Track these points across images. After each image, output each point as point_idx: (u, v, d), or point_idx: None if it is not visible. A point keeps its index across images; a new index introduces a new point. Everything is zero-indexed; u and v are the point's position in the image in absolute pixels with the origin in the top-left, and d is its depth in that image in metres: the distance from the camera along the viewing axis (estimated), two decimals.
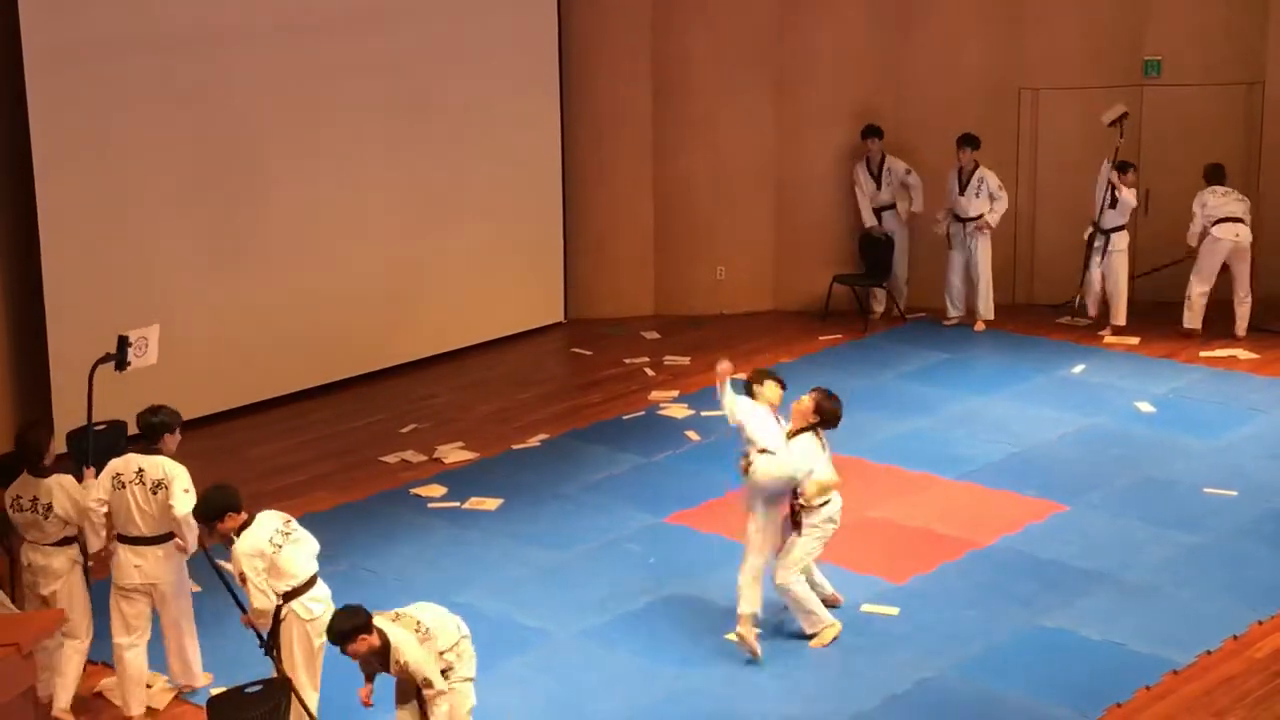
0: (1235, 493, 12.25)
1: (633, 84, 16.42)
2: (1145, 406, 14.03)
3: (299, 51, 14.33)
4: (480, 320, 15.90)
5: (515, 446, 13.51)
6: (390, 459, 13.31)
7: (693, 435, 13.61)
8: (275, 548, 8.95)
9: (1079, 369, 14.95)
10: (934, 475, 12.69)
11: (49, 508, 9.50)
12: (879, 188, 16.34)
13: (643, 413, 14.19)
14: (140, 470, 9.51)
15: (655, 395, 14.57)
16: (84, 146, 13.13)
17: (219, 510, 9.02)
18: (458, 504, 12.38)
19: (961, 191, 15.95)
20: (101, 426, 11.81)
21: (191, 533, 9.53)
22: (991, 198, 15.90)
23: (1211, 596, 10.71)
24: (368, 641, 8.40)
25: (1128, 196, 15.47)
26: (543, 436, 13.67)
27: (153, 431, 9.62)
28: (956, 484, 12.53)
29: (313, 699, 9.08)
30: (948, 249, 16.22)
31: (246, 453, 13.50)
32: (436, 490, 12.63)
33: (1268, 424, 13.61)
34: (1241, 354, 15.25)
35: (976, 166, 15.93)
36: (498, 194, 15.80)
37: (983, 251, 16.03)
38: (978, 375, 14.91)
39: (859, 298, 16.55)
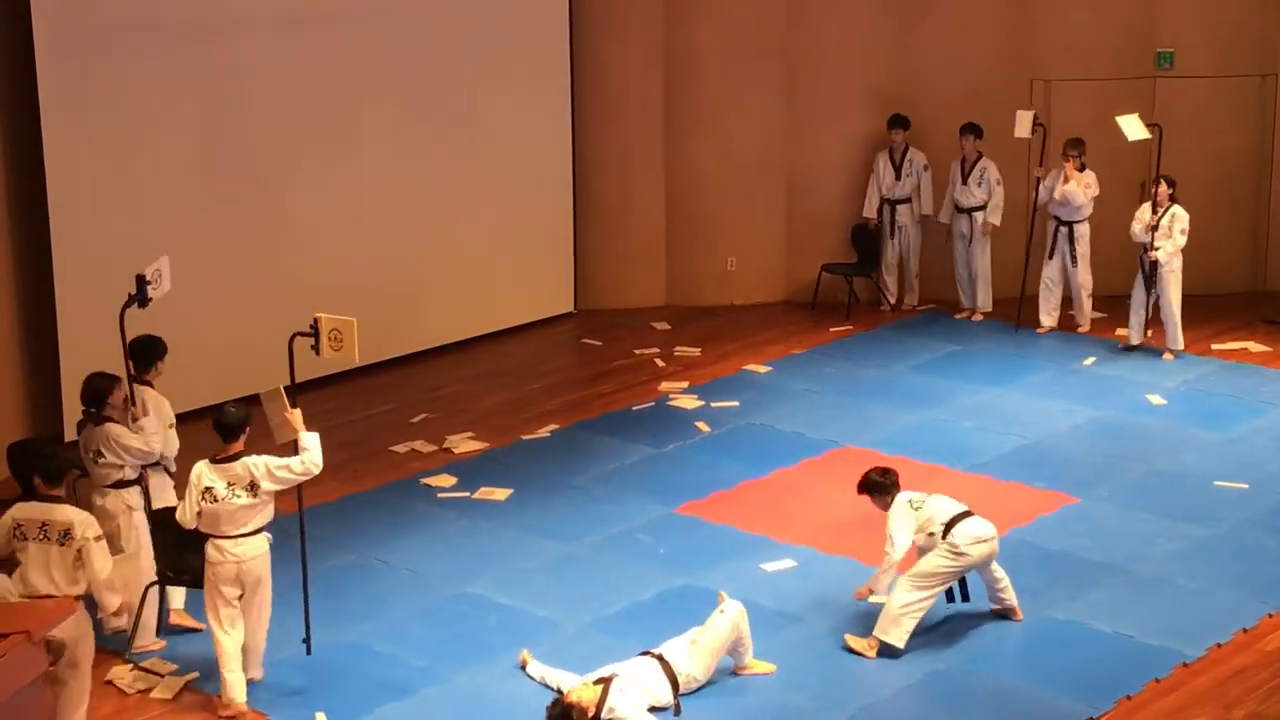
0: (1246, 485, 12.23)
1: (643, 74, 16.40)
2: (1156, 399, 14.00)
3: (309, 40, 14.32)
4: (490, 310, 15.89)
5: (525, 437, 13.51)
6: (400, 449, 13.31)
7: (703, 426, 13.60)
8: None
9: (1090, 361, 14.92)
10: (944, 467, 12.67)
11: (98, 453, 9.99)
12: (898, 178, 16.28)
13: (653, 404, 14.18)
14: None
15: (665, 386, 14.56)
16: (94, 135, 13.13)
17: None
18: (467, 494, 12.37)
19: (964, 180, 15.91)
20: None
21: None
22: (990, 192, 15.85)
23: (1222, 589, 10.69)
24: None
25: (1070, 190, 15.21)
26: (553, 427, 13.66)
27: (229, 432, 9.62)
28: (967, 476, 12.51)
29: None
30: (949, 241, 16.21)
31: (256, 442, 13.42)
32: (446, 480, 12.63)
33: (1279, 416, 13.58)
34: (1253, 347, 15.22)
35: (980, 156, 15.89)
36: (508, 184, 15.79)
37: (980, 245, 15.99)
38: (988, 367, 14.89)
39: (851, 288, 16.49)
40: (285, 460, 9.50)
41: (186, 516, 9.43)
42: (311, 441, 9.55)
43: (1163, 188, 14.70)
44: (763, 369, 14.96)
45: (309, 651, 10.01)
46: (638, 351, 15.51)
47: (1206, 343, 15.32)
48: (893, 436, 13.22)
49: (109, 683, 9.81)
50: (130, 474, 10.12)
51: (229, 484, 9.37)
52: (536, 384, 14.78)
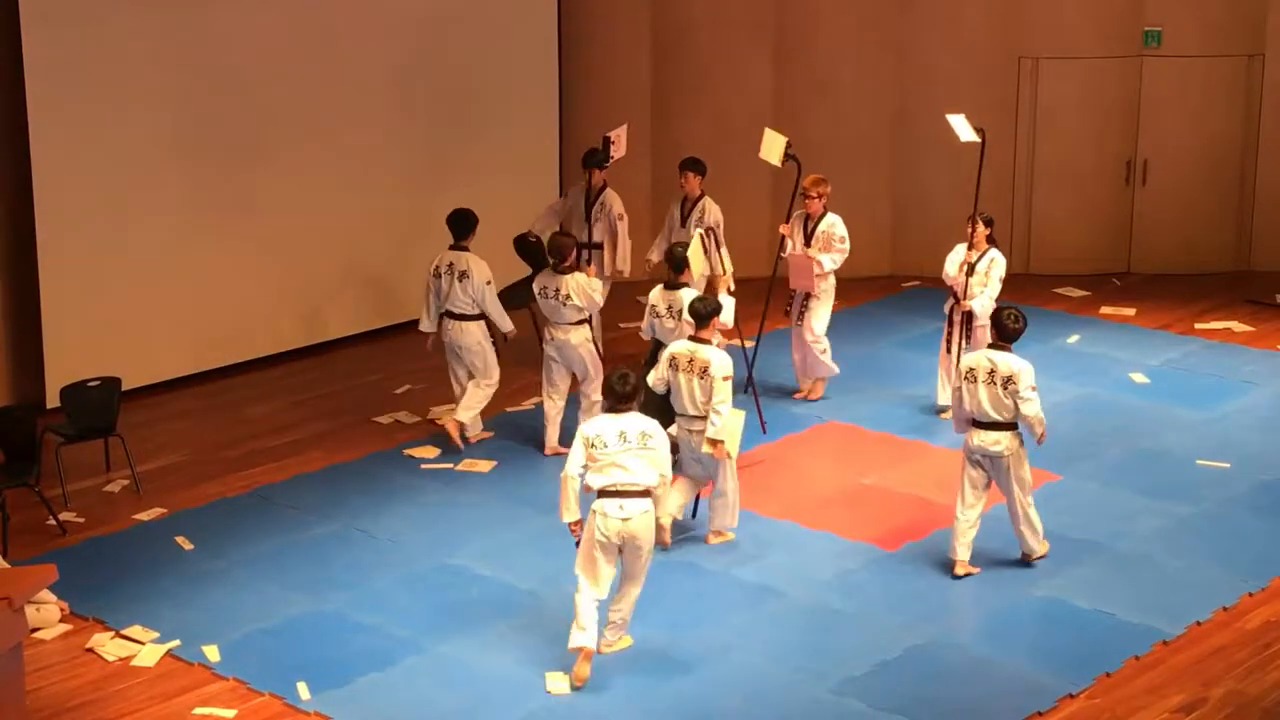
0: (1228, 464, 12.26)
1: (632, 49, 16.37)
2: (1139, 378, 14.03)
3: (294, 11, 14.27)
4: None
5: (509, 409, 13.50)
6: (384, 419, 13.29)
7: None
8: None
9: (1074, 339, 14.94)
10: (927, 443, 12.69)
11: (567, 297, 12.03)
12: (588, 220, 13.78)
13: None
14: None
15: None
16: (78, 102, 13.07)
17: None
18: (450, 465, 12.37)
19: (683, 222, 13.71)
20: (95, 383, 11.86)
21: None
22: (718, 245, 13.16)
23: (1202, 567, 10.72)
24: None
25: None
26: (537, 399, 13.64)
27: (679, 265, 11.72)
28: (950, 452, 12.50)
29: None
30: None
31: (241, 411, 13.48)
32: (430, 451, 12.62)
33: (1261, 396, 13.62)
34: (1237, 327, 15.25)
35: (702, 195, 13.68)
36: (494, 155, 15.75)
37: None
38: None
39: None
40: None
41: (643, 326, 11.91)
42: (727, 301, 11.44)
43: (980, 228, 12.65)
44: (748, 344, 14.94)
45: None
46: (623, 325, 15.50)
47: (1190, 322, 15.35)
48: (877, 412, 13.24)
49: (90, 650, 9.81)
50: (585, 314, 12.19)
51: (668, 307, 11.56)
52: (521, 356, 14.74)
